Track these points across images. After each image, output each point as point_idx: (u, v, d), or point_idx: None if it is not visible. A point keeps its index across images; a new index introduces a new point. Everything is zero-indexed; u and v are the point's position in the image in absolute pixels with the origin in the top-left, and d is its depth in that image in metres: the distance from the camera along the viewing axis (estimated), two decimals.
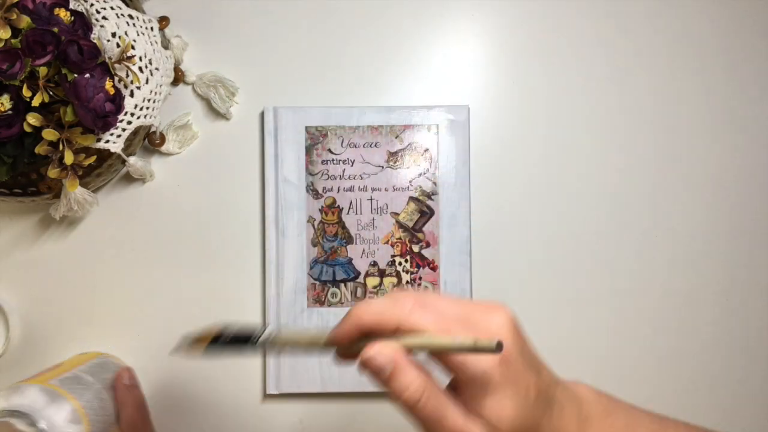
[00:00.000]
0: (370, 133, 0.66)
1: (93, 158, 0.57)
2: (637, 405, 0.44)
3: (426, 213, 0.66)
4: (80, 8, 0.57)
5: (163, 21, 0.65)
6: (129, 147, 0.61)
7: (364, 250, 0.66)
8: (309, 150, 0.66)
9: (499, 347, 0.34)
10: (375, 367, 0.36)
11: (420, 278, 0.66)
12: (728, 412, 0.68)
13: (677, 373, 0.68)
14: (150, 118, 0.61)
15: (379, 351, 0.36)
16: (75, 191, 0.58)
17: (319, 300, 0.66)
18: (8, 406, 0.52)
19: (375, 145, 0.66)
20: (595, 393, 0.42)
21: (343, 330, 0.38)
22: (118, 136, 0.59)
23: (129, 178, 0.67)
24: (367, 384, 0.66)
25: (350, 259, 0.66)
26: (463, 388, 0.37)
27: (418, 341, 0.35)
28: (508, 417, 0.37)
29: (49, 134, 0.53)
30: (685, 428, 0.45)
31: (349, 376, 0.66)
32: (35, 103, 0.52)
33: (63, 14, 0.54)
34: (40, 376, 0.57)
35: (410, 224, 0.66)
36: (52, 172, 0.55)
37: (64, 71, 0.53)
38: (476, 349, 0.35)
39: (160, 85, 0.61)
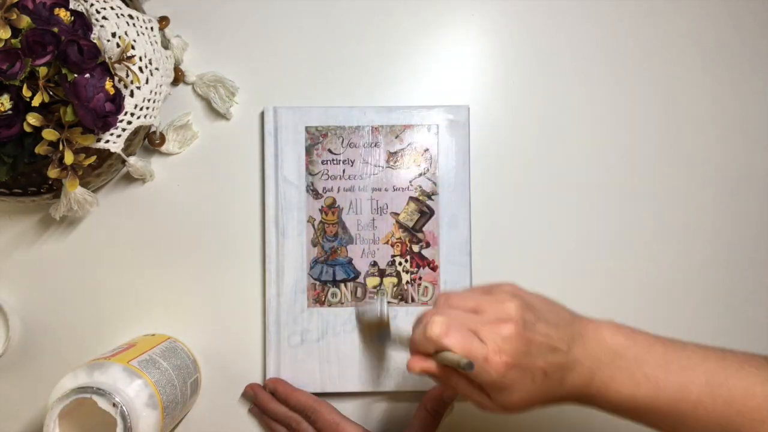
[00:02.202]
0: (370, 133, 0.66)
1: (93, 158, 0.57)
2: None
3: (426, 213, 0.66)
4: (80, 8, 0.57)
5: (163, 21, 0.65)
6: (129, 147, 0.61)
7: (364, 250, 0.66)
8: (309, 150, 0.66)
9: (469, 366, 0.44)
10: (414, 373, 0.48)
11: (420, 278, 0.66)
12: None
13: None
14: (150, 118, 0.61)
15: (412, 366, 0.47)
16: (75, 191, 0.58)
17: (319, 300, 0.66)
18: (91, 383, 0.52)
19: (375, 145, 0.66)
20: (615, 338, 0.48)
21: (409, 350, 0.50)
22: (118, 136, 0.59)
23: (129, 178, 0.67)
24: (366, 384, 0.66)
25: (350, 259, 0.66)
26: (489, 391, 0.47)
27: (440, 358, 0.46)
28: (515, 404, 0.46)
29: (49, 134, 0.53)
30: (701, 350, 0.48)
31: (349, 376, 0.66)
32: (35, 103, 0.52)
33: (63, 14, 0.54)
34: (118, 355, 0.57)
35: (410, 224, 0.66)
36: (52, 172, 0.55)
37: (64, 71, 0.53)
38: (460, 368, 0.45)
39: (160, 85, 0.61)
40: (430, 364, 0.47)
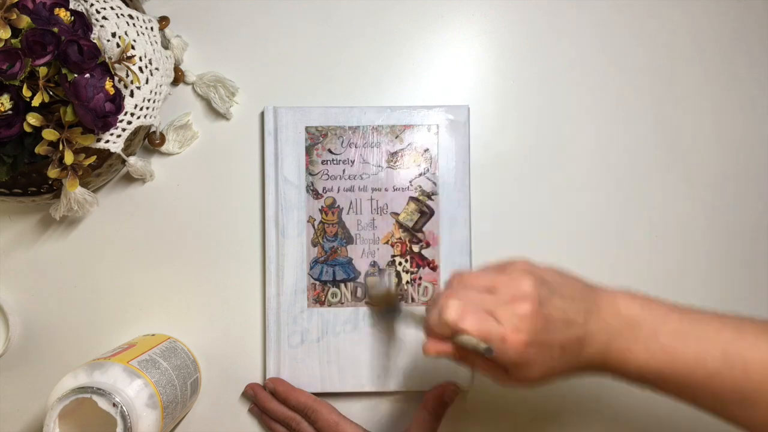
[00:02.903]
0: (370, 133, 0.66)
1: (93, 158, 0.57)
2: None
3: (426, 213, 0.66)
4: (80, 8, 0.57)
5: (163, 21, 0.65)
6: (129, 147, 0.61)
7: (364, 250, 0.66)
8: (309, 150, 0.66)
9: (488, 351, 0.44)
10: (430, 356, 0.48)
11: (420, 278, 0.66)
12: None
13: None
14: (150, 118, 0.61)
15: (428, 350, 0.48)
16: (75, 191, 0.58)
17: (319, 300, 0.66)
18: (91, 383, 0.52)
19: (375, 145, 0.66)
20: (631, 308, 0.48)
21: (425, 332, 0.49)
22: (118, 136, 0.59)
23: (129, 178, 0.67)
24: (365, 384, 0.66)
25: (350, 259, 0.66)
26: (507, 368, 0.47)
27: (457, 341, 0.46)
28: (533, 379, 0.47)
29: (49, 134, 0.53)
30: (717, 318, 0.48)
31: (349, 377, 0.66)
32: (35, 103, 0.52)
33: (63, 14, 0.54)
34: (118, 355, 0.57)
35: (410, 224, 0.66)
36: (52, 172, 0.55)
37: (64, 71, 0.53)
38: (479, 353, 0.45)
39: (160, 85, 0.62)
40: (446, 347, 0.47)
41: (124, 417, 0.51)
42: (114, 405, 0.51)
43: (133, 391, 0.53)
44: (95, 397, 0.51)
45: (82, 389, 0.51)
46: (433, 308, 0.47)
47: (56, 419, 0.51)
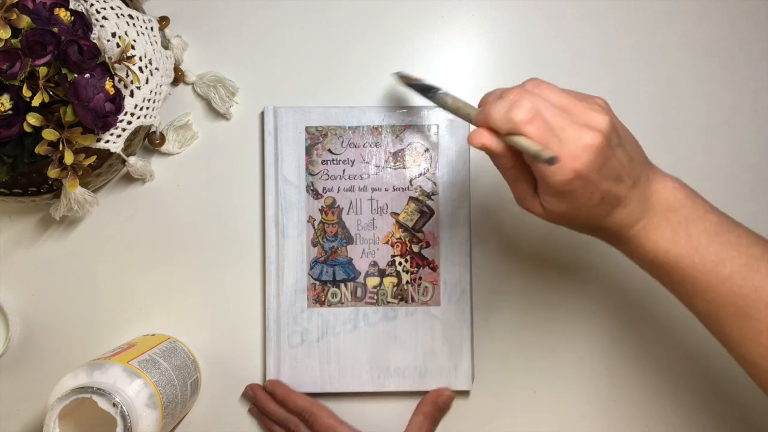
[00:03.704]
0: (370, 133, 0.66)
1: (93, 158, 0.57)
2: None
3: (426, 213, 0.66)
4: (80, 8, 0.57)
5: (163, 21, 0.65)
6: (129, 147, 0.61)
7: (364, 250, 0.66)
8: (309, 150, 0.66)
9: (551, 161, 0.42)
10: (473, 146, 0.46)
11: (420, 278, 0.66)
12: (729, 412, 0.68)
13: (675, 369, 0.68)
14: (150, 118, 0.61)
15: (477, 139, 0.46)
16: (75, 191, 0.58)
17: (319, 300, 0.66)
18: (91, 383, 0.52)
19: (375, 145, 0.66)
20: (676, 193, 0.48)
21: (477, 121, 0.47)
22: (118, 136, 0.59)
23: (129, 178, 0.67)
24: (366, 384, 0.66)
25: (350, 259, 0.66)
26: (541, 189, 0.47)
27: (514, 141, 0.44)
28: (557, 213, 0.47)
29: (49, 134, 0.53)
30: (748, 235, 0.49)
31: (349, 377, 0.66)
32: (35, 103, 0.52)
33: (63, 14, 0.54)
34: (118, 355, 0.56)
35: (410, 224, 0.66)
36: (52, 172, 0.55)
37: (64, 71, 0.53)
38: (538, 158, 0.43)
39: (160, 85, 0.62)
40: (495, 143, 0.45)
41: (124, 417, 0.51)
42: (114, 405, 0.51)
43: (133, 391, 0.53)
44: (95, 397, 0.51)
45: (82, 389, 0.51)
46: (499, 101, 0.45)
47: (56, 419, 0.51)
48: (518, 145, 0.44)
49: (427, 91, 0.58)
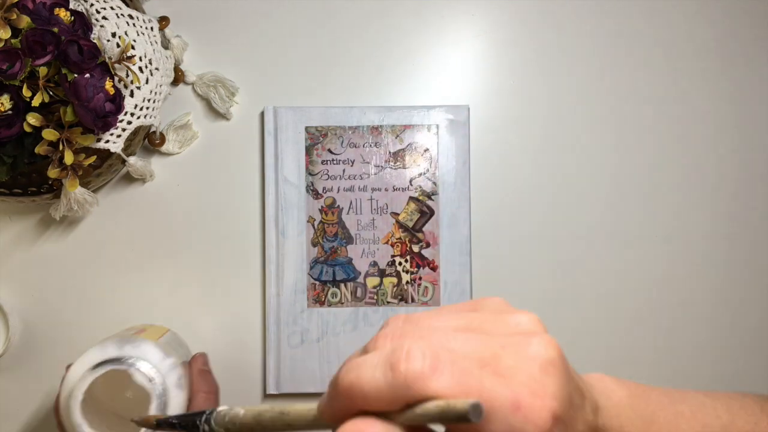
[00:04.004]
0: (370, 133, 0.66)
1: (93, 158, 0.57)
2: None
3: (426, 213, 0.66)
4: (80, 8, 0.57)
5: (163, 21, 0.65)
6: (129, 147, 0.61)
7: (364, 250, 0.66)
8: (309, 150, 0.66)
9: (476, 412, 0.25)
10: None
11: (420, 278, 0.66)
12: None
13: (674, 369, 0.68)
14: (150, 118, 0.61)
15: None
16: (75, 191, 0.58)
17: (319, 300, 0.66)
18: (123, 354, 0.48)
19: (375, 145, 0.66)
20: (618, 388, 0.36)
21: (332, 410, 0.28)
22: (118, 136, 0.59)
23: (129, 178, 0.67)
24: None
25: (350, 259, 0.66)
26: None
27: (423, 412, 0.26)
28: None
29: (49, 134, 0.53)
30: (718, 396, 0.39)
31: None
32: (35, 103, 0.52)
33: (63, 14, 0.54)
34: (141, 334, 0.53)
35: (410, 224, 0.66)
36: (52, 172, 0.55)
37: (64, 71, 0.53)
38: (452, 417, 0.25)
39: (160, 85, 0.61)
40: (391, 429, 0.26)
41: (159, 394, 0.47)
42: (150, 380, 0.47)
43: (165, 369, 0.49)
44: (132, 370, 0.47)
45: (119, 360, 0.47)
46: (363, 366, 0.27)
47: (85, 391, 0.46)
48: (430, 414, 0.25)
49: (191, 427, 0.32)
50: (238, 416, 0.29)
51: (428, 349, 0.26)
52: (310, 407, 0.28)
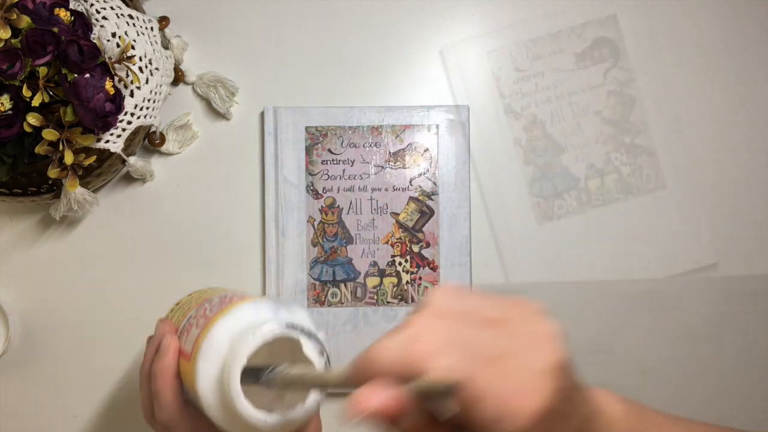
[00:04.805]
0: (370, 133, 0.66)
1: (93, 158, 0.57)
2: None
3: (426, 213, 0.66)
4: (80, 8, 0.57)
5: (163, 21, 0.65)
6: (129, 147, 0.61)
7: (364, 250, 0.66)
8: (309, 150, 0.66)
9: (446, 391, 0.28)
10: (360, 416, 0.29)
11: (420, 278, 0.66)
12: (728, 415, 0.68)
13: (674, 371, 0.68)
14: (150, 118, 0.61)
15: (364, 403, 0.29)
16: (75, 191, 0.58)
17: (319, 300, 0.66)
18: (289, 320, 0.41)
19: (375, 145, 0.66)
20: (616, 403, 0.36)
21: (355, 377, 0.31)
22: (118, 136, 0.59)
23: (129, 178, 0.67)
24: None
25: (350, 259, 0.66)
26: None
27: (420, 385, 0.29)
28: None
29: (49, 134, 0.53)
30: (711, 428, 0.41)
31: None
32: (35, 103, 0.52)
33: (63, 14, 0.54)
34: (246, 298, 0.45)
35: (410, 224, 0.66)
36: (52, 172, 0.55)
37: (64, 71, 0.53)
38: (432, 392, 0.28)
39: (160, 85, 0.61)
40: (394, 400, 0.29)
41: (324, 370, 0.41)
42: (321, 354, 0.40)
43: (323, 341, 0.42)
44: (303, 340, 0.40)
45: (292, 327, 0.40)
46: (390, 340, 0.30)
47: (250, 354, 0.39)
48: (423, 389, 0.28)
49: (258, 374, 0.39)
50: (290, 373, 0.37)
51: (445, 335, 0.29)
52: (344, 370, 0.32)
